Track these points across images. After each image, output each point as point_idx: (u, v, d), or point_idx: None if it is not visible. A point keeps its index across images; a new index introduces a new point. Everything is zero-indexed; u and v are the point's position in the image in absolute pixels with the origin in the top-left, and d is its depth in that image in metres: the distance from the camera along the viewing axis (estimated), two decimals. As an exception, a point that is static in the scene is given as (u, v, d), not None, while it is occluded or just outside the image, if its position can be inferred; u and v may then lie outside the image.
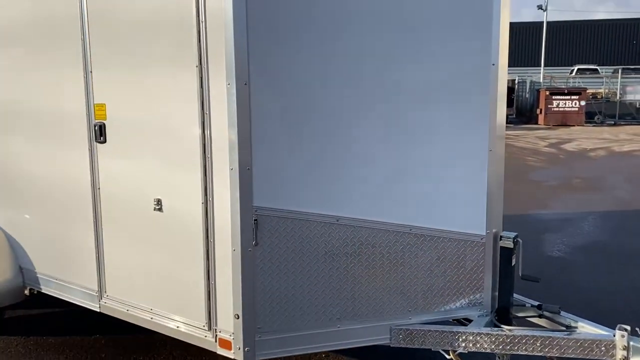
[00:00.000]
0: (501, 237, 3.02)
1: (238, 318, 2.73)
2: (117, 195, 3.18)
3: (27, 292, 3.85)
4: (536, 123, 24.45)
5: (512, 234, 3.04)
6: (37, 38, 3.47)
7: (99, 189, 3.25)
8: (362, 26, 2.73)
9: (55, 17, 3.30)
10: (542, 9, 33.11)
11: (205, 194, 2.79)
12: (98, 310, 3.39)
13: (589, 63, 36.08)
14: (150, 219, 3.02)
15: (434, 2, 2.81)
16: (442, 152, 2.87)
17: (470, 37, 2.84)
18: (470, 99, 2.87)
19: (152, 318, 3.11)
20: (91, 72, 3.16)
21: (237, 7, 2.51)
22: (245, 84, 2.60)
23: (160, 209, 2.99)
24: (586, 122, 24.05)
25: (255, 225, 2.68)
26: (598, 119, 24.81)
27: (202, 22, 2.66)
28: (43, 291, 3.74)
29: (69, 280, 3.55)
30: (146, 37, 2.91)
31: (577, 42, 43.20)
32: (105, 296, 3.34)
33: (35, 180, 3.67)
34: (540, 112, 24.42)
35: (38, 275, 3.75)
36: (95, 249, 3.32)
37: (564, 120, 23.86)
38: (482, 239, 2.98)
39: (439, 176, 2.90)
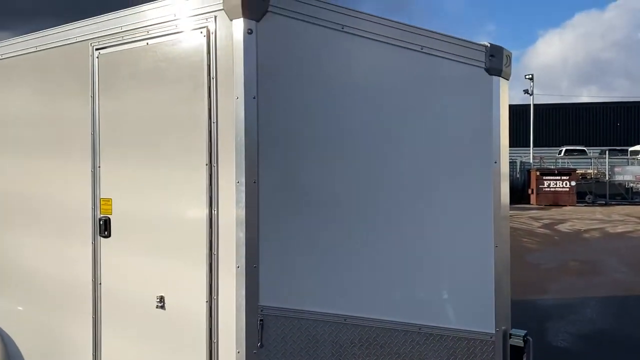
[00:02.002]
0: (511, 335, 2.97)
1: None
2: (118, 291, 3.12)
3: (16, 391, 3.67)
4: (528, 203, 24.69)
5: (522, 332, 2.99)
6: (46, 131, 3.54)
7: (100, 284, 3.19)
8: (364, 140, 2.83)
9: (67, 113, 3.39)
10: (528, 93, 34.43)
11: (210, 293, 2.74)
12: (91, 413, 3.22)
13: (575, 144, 37.11)
14: (152, 316, 2.94)
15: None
16: (449, 250, 2.87)
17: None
18: (475, 200, 2.92)
19: (148, 423, 2.95)
20: (99, 166, 3.20)
21: (248, 112, 2.59)
22: (255, 182, 2.63)
23: (162, 307, 2.92)
24: (578, 202, 24.32)
25: (261, 326, 2.62)
26: (589, 199, 25.12)
27: (213, 122, 2.74)
28: (33, 390, 3.57)
29: (62, 380, 3.39)
30: (156, 134, 2.97)
31: (563, 124, 44.72)
32: (99, 398, 3.18)
33: (34, 273, 3.60)
34: (532, 192, 24.74)
35: (29, 373, 3.59)
36: (93, 347, 3.20)
37: (555, 200, 24.14)
38: (491, 337, 2.92)
39: (446, 274, 2.88)
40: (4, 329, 3.77)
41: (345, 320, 2.72)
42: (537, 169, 25.75)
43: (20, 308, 3.71)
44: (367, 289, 2.78)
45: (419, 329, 2.82)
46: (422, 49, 2.88)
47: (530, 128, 34.91)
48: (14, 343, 3.71)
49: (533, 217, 19.20)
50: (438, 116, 2.93)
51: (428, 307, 2.85)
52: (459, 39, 2.95)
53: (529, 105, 34.74)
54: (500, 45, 3.00)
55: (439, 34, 2.91)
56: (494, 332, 2.91)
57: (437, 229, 2.87)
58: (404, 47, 2.83)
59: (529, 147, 33.22)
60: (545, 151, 35.38)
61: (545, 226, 16.87)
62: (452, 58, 2.94)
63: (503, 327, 2.93)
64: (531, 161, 30.86)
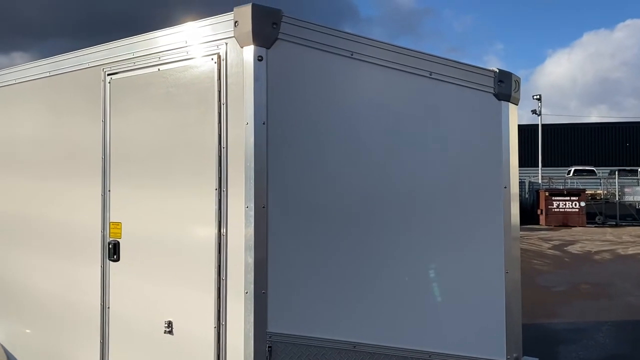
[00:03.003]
0: (522, 363, 2.92)
1: None
2: (127, 315, 3.11)
3: (21, 415, 3.64)
4: (537, 224, 24.47)
5: (534, 360, 2.94)
6: (57, 155, 3.58)
7: (108, 308, 3.18)
8: (373, 165, 2.83)
9: (78, 137, 3.43)
10: (536, 114, 34.40)
11: (219, 318, 2.72)
12: None
13: (584, 164, 36.91)
14: (160, 341, 2.93)
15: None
16: (460, 276, 2.85)
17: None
18: (485, 226, 2.91)
19: None
20: (109, 190, 3.22)
21: (258, 137, 2.60)
22: (264, 207, 2.63)
23: (170, 332, 2.90)
24: (587, 223, 24.08)
25: (269, 352, 2.59)
26: (599, 219, 24.88)
27: (223, 147, 2.75)
28: (39, 415, 3.54)
29: (68, 405, 3.37)
30: (167, 159, 2.99)
31: (572, 144, 44.54)
32: None
33: (42, 295, 3.61)
34: (541, 213, 24.55)
35: (35, 397, 3.57)
36: (100, 372, 3.19)
37: (565, 220, 23.92)
38: (503, 365, 2.87)
39: (457, 301, 2.85)
40: (11, 352, 3.76)
41: (354, 347, 2.69)
42: (546, 190, 25.60)
43: (28, 331, 3.71)
44: (377, 315, 2.75)
45: (429, 356, 2.79)
46: (430, 74, 2.89)
47: (539, 148, 34.85)
48: (21, 366, 3.70)
49: (542, 238, 19.02)
50: (447, 141, 2.93)
51: (438, 334, 2.82)
52: (467, 64, 2.97)
53: (537, 125, 34.72)
54: (508, 70, 3.02)
55: (448, 59, 2.93)
56: (505, 359, 2.87)
57: (448, 255, 2.85)
58: (413, 73, 2.85)
59: (538, 167, 33.08)
60: (554, 171, 35.22)
61: (555, 247, 16.70)
62: (461, 83, 2.95)
63: (515, 355, 2.88)
64: (540, 181, 30.71)
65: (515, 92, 3.08)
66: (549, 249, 16.39)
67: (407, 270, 2.81)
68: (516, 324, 2.92)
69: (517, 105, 3.12)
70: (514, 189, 2.97)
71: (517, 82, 3.10)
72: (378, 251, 2.80)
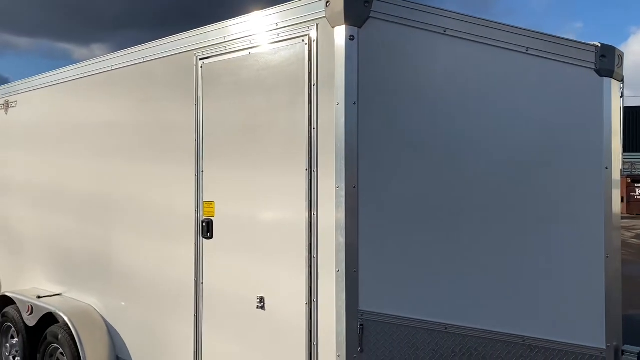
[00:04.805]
0: (623, 352, 2.79)
1: None
2: (219, 291, 3.24)
3: (121, 382, 3.90)
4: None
5: (636, 349, 2.80)
6: (153, 138, 3.75)
7: (202, 283, 3.33)
8: (468, 144, 2.77)
9: (172, 121, 3.57)
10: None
11: (310, 295, 2.78)
12: (192, 408, 3.36)
13: (671, 149, 34.36)
14: (253, 317, 3.03)
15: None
16: (558, 260, 2.75)
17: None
18: (585, 208, 2.79)
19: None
20: (202, 171, 3.35)
21: (349, 118, 2.60)
22: (354, 187, 2.64)
23: (262, 307, 3.00)
24: (674, 211, 22.52)
25: (361, 330, 2.62)
26: (687, 207, 23.19)
27: (313, 128, 2.78)
28: (138, 382, 3.78)
29: (165, 374, 3.56)
30: (258, 140, 3.06)
31: (657, 127, 41.50)
32: (200, 393, 3.31)
33: (138, 270, 3.82)
34: (623, 201, 23.17)
35: (134, 366, 3.80)
36: (194, 344, 3.35)
37: (648, 209, 22.48)
38: (601, 353, 2.77)
39: (553, 284, 2.76)
40: (111, 323, 4.02)
41: (446, 328, 2.67)
42: (628, 176, 24.10)
43: (123, 303, 3.94)
44: (470, 297, 2.71)
45: (523, 340, 2.72)
46: (527, 50, 2.78)
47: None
48: (120, 337, 3.95)
49: (625, 227, 17.96)
50: (546, 120, 2.82)
51: (533, 318, 2.74)
52: (566, 39, 2.83)
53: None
54: (612, 45, 2.84)
55: (545, 34, 2.81)
56: (604, 347, 2.75)
57: (545, 237, 2.75)
58: (509, 50, 2.75)
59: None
60: (636, 157, 33.03)
61: (638, 237, 15.73)
62: (559, 59, 2.82)
63: (615, 343, 2.76)
64: (621, 167, 28.97)
65: (618, 67, 2.91)
66: (632, 238, 15.47)
67: (501, 252, 2.74)
68: (616, 310, 2.79)
69: (620, 81, 2.95)
70: (616, 170, 2.82)
71: (621, 57, 2.93)
72: (472, 233, 2.75)
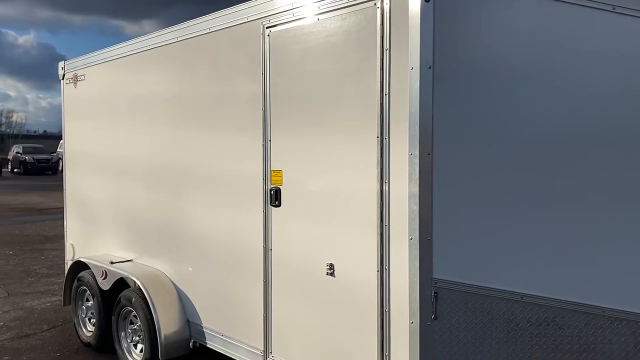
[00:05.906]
0: None
1: (414, 394, 2.62)
2: (288, 257, 3.29)
3: (192, 345, 4.06)
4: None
5: None
6: (220, 108, 3.80)
7: (271, 250, 3.39)
8: (552, 119, 2.66)
9: (239, 91, 3.60)
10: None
11: (381, 262, 2.78)
12: (261, 370, 3.46)
13: None
14: (322, 283, 3.07)
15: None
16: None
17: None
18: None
19: (318, 384, 3.10)
20: (270, 140, 3.37)
21: (424, 82, 2.53)
22: (429, 154, 2.60)
23: (332, 274, 3.03)
24: None
25: (435, 298, 2.60)
26: None
27: (385, 94, 2.74)
28: (208, 345, 3.92)
29: (234, 337, 3.68)
30: (326, 108, 3.05)
31: None
32: (270, 356, 3.41)
33: (208, 237, 3.92)
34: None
35: (204, 329, 3.94)
36: (264, 309, 3.43)
37: None
38: (686, 327, 2.64)
39: (636, 253, 2.65)
40: (181, 288, 4.17)
41: (522, 298, 2.62)
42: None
43: (193, 269, 4.07)
44: (546, 266, 2.64)
45: (603, 311, 2.63)
46: (614, 9, 2.62)
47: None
48: (190, 301, 4.09)
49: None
50: None
51: (614, 288, 2.65)
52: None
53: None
54: None
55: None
56: (690, 321, 2.63)
57: (630, 204, 2.63)
58: (595, 8, 2.61)
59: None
60: None
61: None
62: (649, 17, 2.64)
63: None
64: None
65: None
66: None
67: (581, 221, 2.65)
68: None
69: None
70: None
71: None
72: (550, 202, 2.66)
